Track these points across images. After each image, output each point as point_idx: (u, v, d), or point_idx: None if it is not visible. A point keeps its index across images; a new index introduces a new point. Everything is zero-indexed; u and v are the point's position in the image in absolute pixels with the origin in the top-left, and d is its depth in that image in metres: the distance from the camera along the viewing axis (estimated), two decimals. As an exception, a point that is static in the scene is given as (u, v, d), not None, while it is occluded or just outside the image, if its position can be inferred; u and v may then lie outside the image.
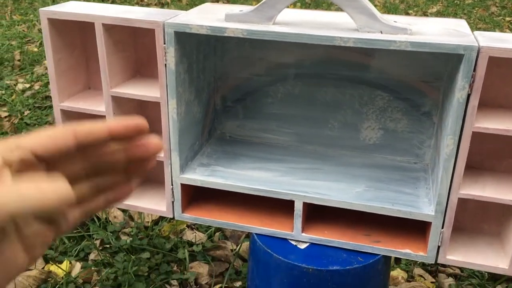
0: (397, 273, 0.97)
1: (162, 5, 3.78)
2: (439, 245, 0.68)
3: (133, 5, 3.60)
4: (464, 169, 0.63)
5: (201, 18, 0.68)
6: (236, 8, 0.69)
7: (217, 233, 1.13)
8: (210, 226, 1.11)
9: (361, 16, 0.63)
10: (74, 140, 0.31)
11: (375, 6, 3.87)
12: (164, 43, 0.67)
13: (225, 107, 0.87)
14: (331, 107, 0.83)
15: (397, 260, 1.02)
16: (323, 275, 0.69)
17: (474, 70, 0.59)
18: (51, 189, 0.27)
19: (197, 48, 0.76)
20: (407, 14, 3.61)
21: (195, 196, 0.81)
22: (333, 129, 0.84)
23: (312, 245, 0.73)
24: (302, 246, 0.73)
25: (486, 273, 0.96)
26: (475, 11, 3.76)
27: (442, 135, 0.67)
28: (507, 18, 3.57)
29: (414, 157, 0.82)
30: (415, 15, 3.58)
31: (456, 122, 0.61)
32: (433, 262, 0.70)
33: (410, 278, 0.97)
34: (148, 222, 1.16)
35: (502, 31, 3.17)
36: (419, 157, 0.81)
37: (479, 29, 3.22)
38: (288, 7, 0.66)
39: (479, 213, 0.74)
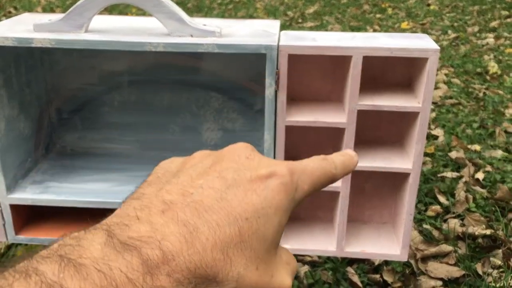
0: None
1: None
2: (273, 236, 0.71)
3: (0, 18, 3.37)
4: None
5: (9, 30, 0.65)
6: (45, 18, 0.66)
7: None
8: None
9: (170, 22, 0.63)
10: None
11: (256, 9, 3.97)
12: (-30, 58, 0.63)
13: (62, 119, 0.84)
14: (170, 112, 0.83)
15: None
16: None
17: (278, 68, 0.62)
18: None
19: (16, 60, 0.72)
20: (286, 15, 3.75)
21: (33, 215, 0.77)
22: (174, 133, 0.84)
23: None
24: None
25: (340, 257, 1.02)
26: (349, 10, 3.99)
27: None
28: (378, 15, 3.83)
29: (253, 154, 0.84)
30: (294, 15, 3.72)
31: (269, 117, 0.64)
32: (270, 254, 0.73)
33: (271, 270, 1.00)
34: (1, 248, 1.08)
35: (372, 27, 3.40)
36: (257, 153, 0.84)
37: (351, 26, 3.42)
38: (102, 13, 0.66)
39: (312, 201, 0.79)
